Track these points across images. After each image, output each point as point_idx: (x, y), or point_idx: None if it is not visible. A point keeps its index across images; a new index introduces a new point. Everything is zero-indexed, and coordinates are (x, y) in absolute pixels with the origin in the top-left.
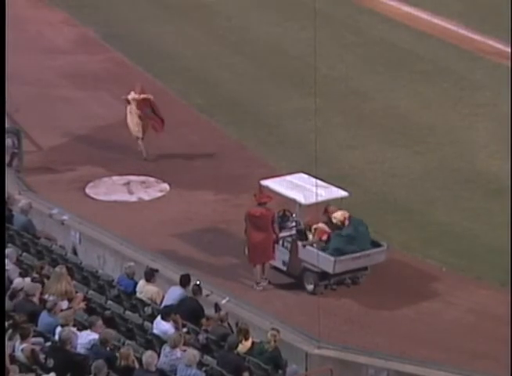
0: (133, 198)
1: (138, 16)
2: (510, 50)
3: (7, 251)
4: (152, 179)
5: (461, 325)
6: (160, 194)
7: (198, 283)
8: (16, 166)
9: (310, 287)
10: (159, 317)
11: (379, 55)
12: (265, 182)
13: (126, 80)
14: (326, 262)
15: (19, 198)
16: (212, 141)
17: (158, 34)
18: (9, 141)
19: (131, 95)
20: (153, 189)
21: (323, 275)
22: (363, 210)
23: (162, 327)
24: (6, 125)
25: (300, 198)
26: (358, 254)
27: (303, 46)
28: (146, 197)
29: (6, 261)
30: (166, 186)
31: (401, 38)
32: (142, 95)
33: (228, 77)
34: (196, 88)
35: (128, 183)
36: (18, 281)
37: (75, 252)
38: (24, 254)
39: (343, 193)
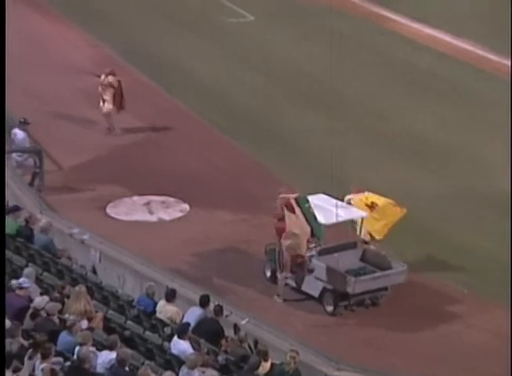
0: (153, 218)
1: (156, 33)
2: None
3: (27, 270)
4: (172, 199)
5: (481, 348)
6: (180, 214)
7: (219, 303)
8: (37, 185)
9: (330, 308)
10: (176, 337)
11: (396, 75)
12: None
13: (145, 98)
14: (346, 283)
15: (40, 217)
16: (231, 160)
17: (176, 52)
18: (30, 160)
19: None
20: (173, 210)
21: (343, 296)
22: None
23: (180, 346)
24: (28, 145)
25: (320, 218)
26: (377, 275)
27: (321, 66)
28: (166, 217)
29: (26, 280)
30: (186, 206)
31: (419, 58)
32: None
33: (245, 95)
34: (212, 106)
35: (148, 203)
36: (38, 300)
37: (95, 272)
38: (45, 273)
39: (362, 214)
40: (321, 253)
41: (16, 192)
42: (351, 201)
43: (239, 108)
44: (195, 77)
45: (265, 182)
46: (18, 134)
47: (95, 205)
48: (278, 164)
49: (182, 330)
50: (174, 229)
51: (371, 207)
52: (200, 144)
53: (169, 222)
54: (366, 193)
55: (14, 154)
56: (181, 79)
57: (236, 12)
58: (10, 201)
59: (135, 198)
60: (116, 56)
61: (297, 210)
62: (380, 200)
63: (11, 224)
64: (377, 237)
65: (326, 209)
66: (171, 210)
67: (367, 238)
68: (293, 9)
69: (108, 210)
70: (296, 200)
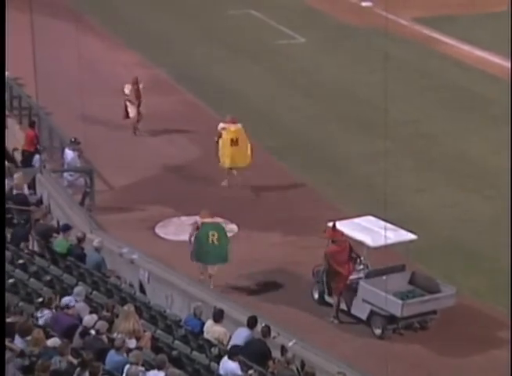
0: None
1: (210, 58)
2: None
3: (77, 289)
4: (220, 220)
5: None
6: (228, 235)
7: (267, 324)
8: (87, 205)
9: (378, 331)
10: (225, 357)
11: (449, 98)
12: (332, 225)
13: (197, 121)
14: (394, 306)
15: (90, 237)
16: (281, 182)
17: (227, 74)
18: (81, 180)
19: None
20: None
21: (391, 319)
22: (432, 254)
23: (228, 366)
24: (79, 165)
25: (368, 241)
26: (426, 298)
27: (372, 89)
28: None
29: (77, 298)
30: (234, 227)
31: (472, 82)
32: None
33: (297, 119)
34: (263, 129)
35: (196, 223)
36: (88, 319)
37: (143, 291)
38: (94, 292)
39: (412, 237)
40: (369, 275)
41: (67, 211)
42: (223, 131)
43: (290, 131)
44: (245, 100)
45: (314, 204)
46: (69, 153)
47: (144, 225)
48: (328, 187)
49: (233, 352)
50: None
51: (235, 143)
52: (251, 166)
53: None
54: (239, 126)
55: (65, 174)
56: (232, 101)
57: (286, 34)
58: (61, 220)
59: (184, 218)
60: (170, 79)
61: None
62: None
63: (62, 243)
64: (226, 166)
65: (375, 231)
66: None
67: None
68: (345, 31)
69: (157, 230)
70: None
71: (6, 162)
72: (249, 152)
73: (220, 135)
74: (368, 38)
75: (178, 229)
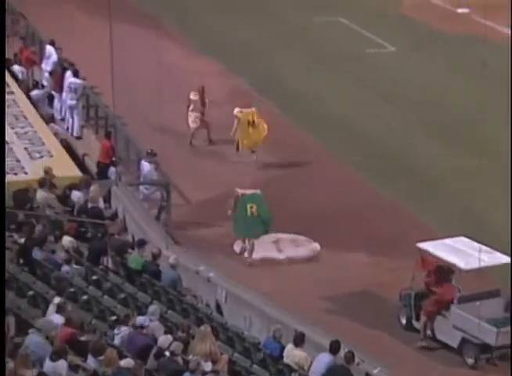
0: (282, 256)
1: (295, 67)
2: None
3: (151, 308)
4: (302, 238)
5: None
6: (310, 254)
7: (350, 350)
8: (163, 220)
9: (470, 360)
10: None
11: None
12: (422, 246)
13: (277, 132)
14: (488, 333)
15: (166, 253)
16: (366, 198)
17: (311, 84)
18: (157, 194)
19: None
20: (302, 249)
21: (485, 347)
22: None
23: None
24: (155, 177)
25: (460, 263)
26: None
27: (467, 99)
28: (296, 256)
29: (152, 317)
30: (316, 246)
31: None
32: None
33: (383, 131)
34: (346, 141)
35: (277, 241)
36: (163, 339)
37: (220, 311)
38: (169, 311)
39: (508, 260)
40: (461, 300)
41: (143, 226)
42: (239, 115)
43: (375, 143)
44: (330, 111)
45: (403, 223)
46: (145, 166)
47: (222, 242)
48: (415, 204)
49: None
50: (304, 269)
51: (252, 124)
52: (332, 180)
53: (298, 262)
54: (253, 109)
55: (141, 187)
56: (314, 112)
57: (375, 43)
58: (136, 235)
59: (264, 235)
60: (251, 89)
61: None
62: (258, 120)
63: (137, 259)
64: (245, 147)
65: (468, 253)
66: (300, 249)
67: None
68: (438, 39)
69: (235, 247)
70: None
71: (81, 173)
72: (265, 133)
73: (237, 120)
74: (464, 46)
75: (257, 247)
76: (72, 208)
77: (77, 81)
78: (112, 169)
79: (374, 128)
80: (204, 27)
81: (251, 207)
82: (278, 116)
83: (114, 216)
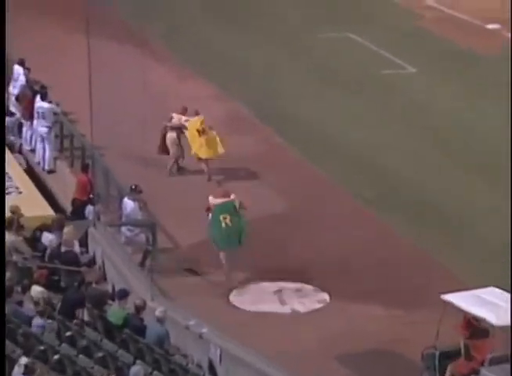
0: (285, 309)
1: (300, 90)
2: None
3: (134, 368)
4: (309, 287)
5: None
6: (318, 306)
7: None
8: (149, 266)
9: None
10: None
11: None
12: (447, 297)
13: (280, 164)
14: None
15: (152, 305)
16: (383, 242)
17: (321, 112)
18: (142, 236)
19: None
20: (309, 300)
21: None
22: None
23: None
24: (140, 217)
25: (491, 318)
26: None
27: (499, 127)
28: (301, 309)
29: None
30: (325, 296)
31: None
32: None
33: (404, 165)
34: (358, 174)
35: (279, 291)
36: None
37: (214, 373)
38: (155, 372)
39: None
40: (492, 362)
41: (124, 273)
42: (186, 124)
43: (395, 179)
44: (341, 141)
45: (426, 271)
46: (128, 204)
47: (216, 292)
48: (441, 249)
49: None
50: (311, 323)
51: (202, 132)
52: (343, 220)
53: (304, 315)
54: (201, 117)
55: (123, 228)
56: (321, 140)
57: (392, 63)
58: (117, 284)
59: (265, 284)
60: (250, 115)
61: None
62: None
63: (117, 312)
64: (203, 157)
65: (499, 306)
66: (307, 300)
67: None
68: (465, 58)
69: (231, 298)
70: None
71: (55, 213)
72: (218, 140)
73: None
74: (494, 65)
75: (256, 298)
76: (43, 253)
77: (45, 105)
78: (89, 208)
79: (391, 160)
80: (197, 44)
81: (225, 218)
82: (279, 144)
83: (92, 262)
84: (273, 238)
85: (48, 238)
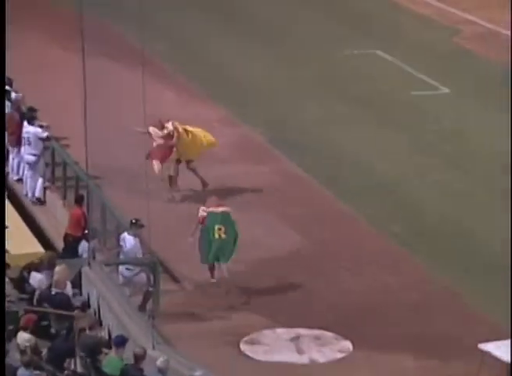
0: (303, 359)
1: (321, 113)
2: None
3: None
4: (329, 335)
5: None
6: (339, 356)
7: None
8: (149, 311)
9: None
10: None
11: None
12: (485, 347)
13: (296, 196)
14: None
15: (152, 354)
16: (413, 285)
17: (346, 139)
18: (142, 276)
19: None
20: (330, 349)
21: None
22: None
23: None
24: (140, 255)
25: None
26: None
27: None
28: (321, 359)
29: None
30: (348, 345)
31: None
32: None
33: (437, 198)
34: (386, 209)
35: (296, 338)
36: None
37: None
38: None
39: None
40: None
41: (123, 318)
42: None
43: (427, 214)
44: (367, 171)
45: (462, 317)
46: (128, 240)
47: (225, 339)
48: (480, 294)
49: None
50: (332, 375)
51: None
52: (369, 260)
53: (324, 366)
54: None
55: (121, 267)
56: (349, 173)
57: (423, 83)
58: (114, 331)
59: (280, 331)
60: (264, 141)
61: None
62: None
63: (114, 362)
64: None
65: None
66: (327, 349)
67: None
68: (506, 79)
69: (243, 346)
70: None
71: (45, 251)
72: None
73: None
74: None
75: (271, 346)
76: (31, 295)
77: (31, 129)
78: (83, 244)
79: (424, 194)
80: (202, 62)
81: (219, 229)
82: (297, 175)
83: (85, 306)
84: (290, 279)
85: (36, 278)
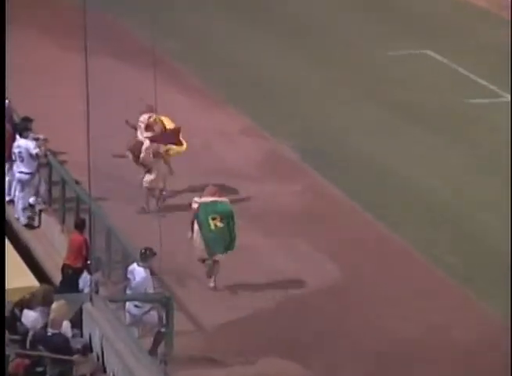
0: None
1: (359, 124)
2: None
3: None
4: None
5: None
6: None
7: None
8: (161, 355)
9: None
10: None
11: None
12: None
13: (335, 221)
14: None
15: None
16: (468, 325)
17: (387, 153)
18: (153, 315)
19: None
20: None
21: None
22: None
23: None
24: (151, 289)
25: None
26: None
27: None
28: None
29: None
30: None
31: None
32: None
33: (494, 229)
34: (447, 240)
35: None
36: None
37: None
38: None
39: None
40: None
41: (130, 364)
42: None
43: (489, 242)
44: (411, 188)
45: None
46: (137, 272)
47: None
48: None
49: None
50: None
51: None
52: (415, 295)
53: None
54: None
55: (129, 304)
56: (390, 192)
57: (482, 88)
58: None
59: None
60: (293, 156)
61: None
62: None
63: None
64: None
65: None
66: None
67: None
68: None
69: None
70: None
71: (40, 284)
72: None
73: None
74: None
75: None
76: (23, 337)
77: (23, 144)
78: (85, 277)
79: (487, 217)
80: (227, 63)
81: (214, 219)
82: (332, 195)
83: (87, 349)
84: (325, 316)
85: (30, 317)
